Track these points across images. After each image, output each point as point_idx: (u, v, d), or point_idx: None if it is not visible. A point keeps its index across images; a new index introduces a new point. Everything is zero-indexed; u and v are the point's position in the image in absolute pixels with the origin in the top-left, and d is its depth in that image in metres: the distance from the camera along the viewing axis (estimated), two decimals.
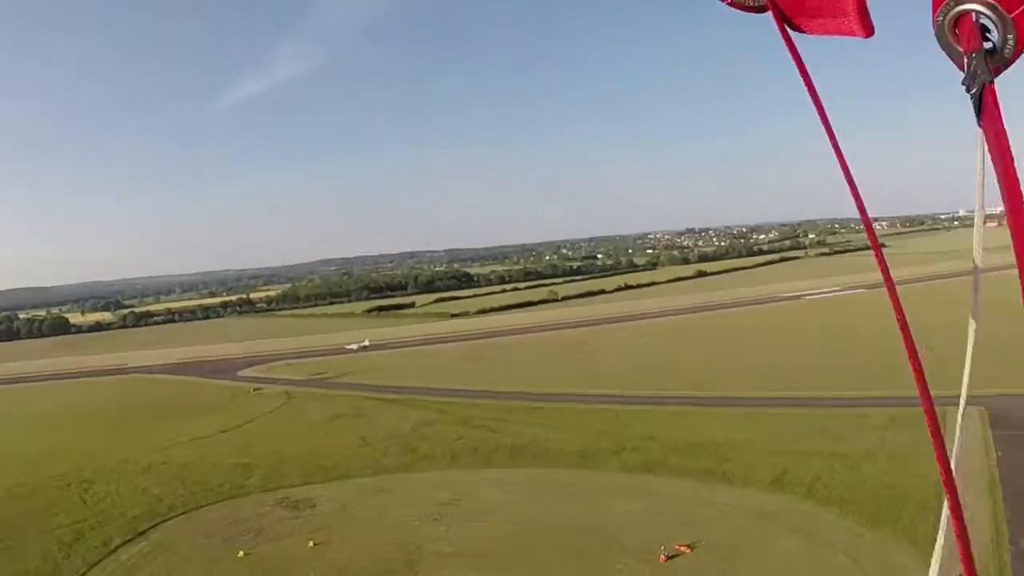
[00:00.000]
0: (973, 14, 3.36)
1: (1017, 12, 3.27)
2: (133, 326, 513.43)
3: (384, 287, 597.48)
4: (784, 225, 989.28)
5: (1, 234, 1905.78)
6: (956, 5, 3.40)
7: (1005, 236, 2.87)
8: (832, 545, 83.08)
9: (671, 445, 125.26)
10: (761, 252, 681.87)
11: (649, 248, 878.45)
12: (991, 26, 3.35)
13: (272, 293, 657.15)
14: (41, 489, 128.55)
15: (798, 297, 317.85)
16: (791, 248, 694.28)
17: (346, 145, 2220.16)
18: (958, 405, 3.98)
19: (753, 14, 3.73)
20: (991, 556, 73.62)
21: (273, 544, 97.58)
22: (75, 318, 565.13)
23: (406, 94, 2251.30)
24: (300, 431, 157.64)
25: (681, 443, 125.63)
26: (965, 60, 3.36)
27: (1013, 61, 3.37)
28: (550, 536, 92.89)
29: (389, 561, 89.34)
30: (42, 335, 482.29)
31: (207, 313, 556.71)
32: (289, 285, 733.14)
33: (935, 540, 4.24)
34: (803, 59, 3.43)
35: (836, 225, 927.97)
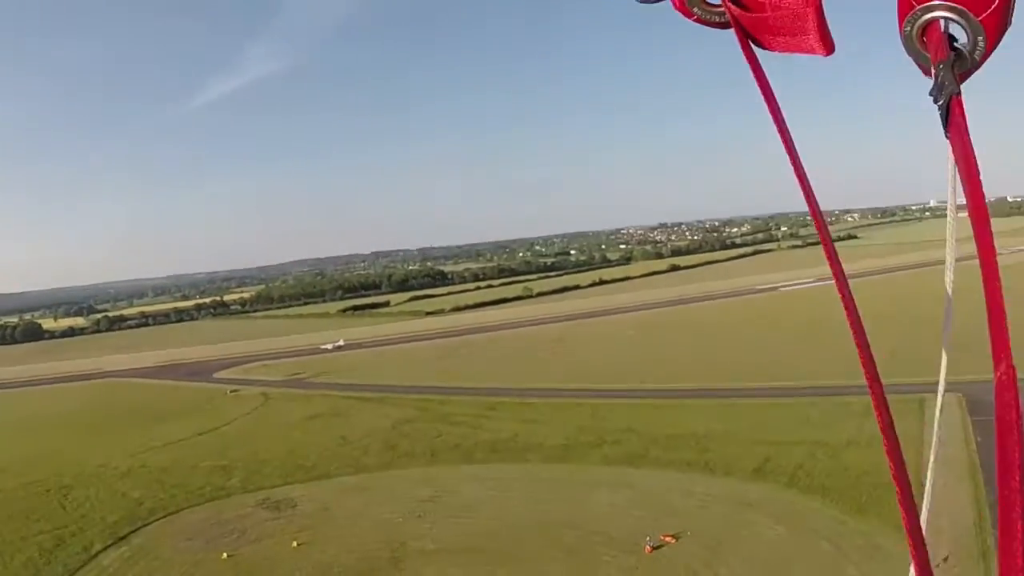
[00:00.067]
0: (941, 22, 3.36)
1: (985, 15, 3.24)
2: (107, 330, 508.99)
3: (358, 286, 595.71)
4: (756, 219, 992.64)
5: None
6: (924, 13, 3.40)
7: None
8: (816, 533, 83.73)
9: (652, 437, 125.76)
10: (734, 245, 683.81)
11: (622, 243, 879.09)
12: (960, 32, 3.34)
13: (246, 295, 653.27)
14: (20, 496, 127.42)
15: (773, 289, 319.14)
16: (764, 241, 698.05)
17: (316, 145, 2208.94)
18: (936, 392, 4.03)
19: (718, 30, 3.77)
20: (974, 540, 74.41)
21: (256, 545, 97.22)
22: (48, 324, 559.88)
23: (375, 93, 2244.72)
24: (279, 432, 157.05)
25: (662, 435, 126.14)
26: (933, 70, 3.37)
27: (981, 64, 3.37)
28: (534, 530, 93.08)
29: (374, 559, 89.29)
30: (15, 341, 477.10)
31: (181, 316, 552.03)
32: (263, 286, 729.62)
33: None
34: (766, 76, 3.40)
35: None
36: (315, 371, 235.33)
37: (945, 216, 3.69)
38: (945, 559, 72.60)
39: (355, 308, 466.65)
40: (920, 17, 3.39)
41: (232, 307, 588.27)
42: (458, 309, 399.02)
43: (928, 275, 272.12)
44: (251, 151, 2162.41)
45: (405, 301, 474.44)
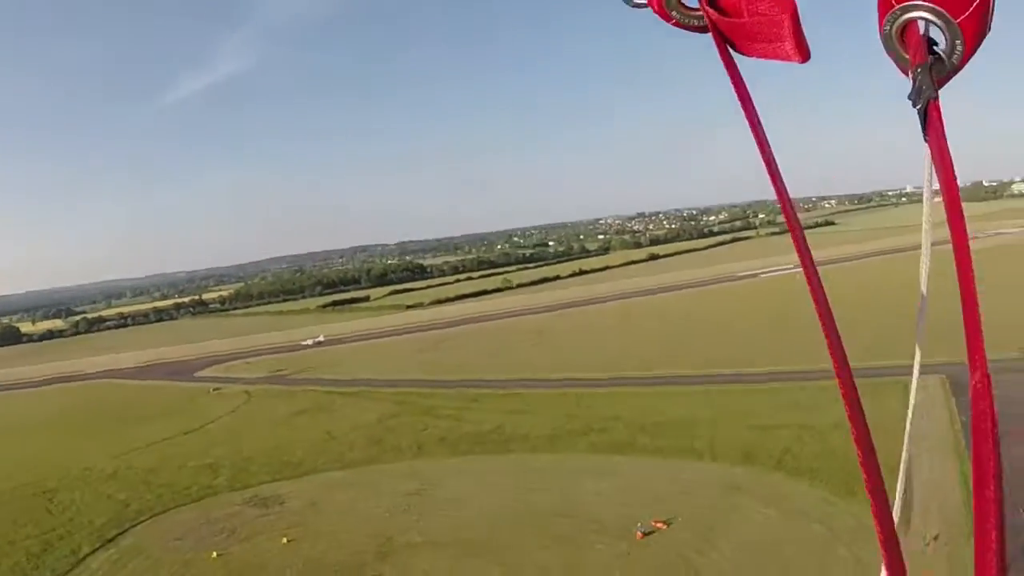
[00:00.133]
0: (920, 23, 3.37)
1: (963, 18, 3.24)
2: (86, 332, 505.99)
3: (337, 282, 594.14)
4: (734, 206, 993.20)
5: None
6: (903, 13, 3.40)
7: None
8: (806, 515, 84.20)
9: (638, 425, 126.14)
10: (712, 234, 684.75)
11: (600, 233, 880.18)
12: (939, 35, 3.34)
13: (225, 293, 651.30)
14: (5, 500, 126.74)
15: (753, 276, 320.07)
16: (742, 229, 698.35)
17: (290, 141, 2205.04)
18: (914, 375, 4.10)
19: (697, 33, 3.80)
20: (964, 518, 74.94)
21: (246, 543, 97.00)
22: (26, 327, 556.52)
23: (350, 88, 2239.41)
24: (264, 429, 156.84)
25: (648, 422, 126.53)
26: (911, 73, 3.38)
27: (960, 68, 3.38)
28: (523, 520, 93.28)
29: (363, 554, 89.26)
30: None
31: (160, 316, 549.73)
32: (241, 284, 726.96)
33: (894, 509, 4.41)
34: (743, 80, 3.43)
35: None
36: (298, 367, 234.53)
37: (922, 202, 3.74)
38: (935, 537, 73.20)
39: (335, 303, 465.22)
40: (899, 17, 3.39)
41: (211, 306, 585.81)
42: (438, 302, 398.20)
43: (908, 259, 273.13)
44: (226, 148, 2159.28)
45: (385, 295, 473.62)
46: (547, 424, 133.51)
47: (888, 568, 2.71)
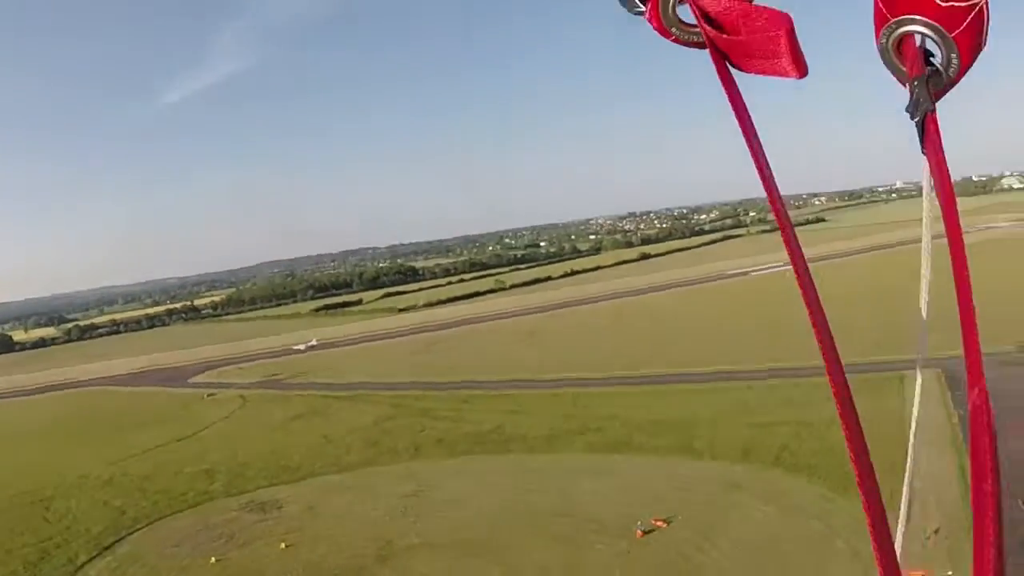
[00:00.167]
0: (916, 36, 3.40)
1: (958, 32, 3.27)
2: (78, 339, 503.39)
3: (329, 286, 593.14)
4: (724, 205, 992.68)
5: None
6: (898, 27, 3.43)
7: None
8: (804, 511, 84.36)
9: (635, 424, 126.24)
10: (703, 232, 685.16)
11: (592, 234, 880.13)
12: (934, 48, 3.38)
13: (217, 298, 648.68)
14: (1, 509, 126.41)
15: (745, 273, 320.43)
16: (733, 227, 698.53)
17: (280, 145, 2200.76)
18: (914, 369, 4.01)
19: (696, 49, 3.74)
20: (963, 512, 74.94)
21: (245, 549, 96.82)
22: (18, 335, 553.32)
23: (338, 91, 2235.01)
24: (260, 433, 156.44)
25: (645, 421, 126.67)
26: (908, 86, 3.42)
27: (957, 81, 3.41)
28: (522, 521, 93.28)
29: (362, 557, 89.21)
30: None
31: (153, 322, 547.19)
32: (233, 289, 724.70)
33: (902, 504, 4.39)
34: (741, 96, 3.42)
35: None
36: (292, 372, 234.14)
37: (912, 198, 3.71)
38: (936, 531, 73.27)
39: (327, 307, 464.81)
40: (895, 30, 3.43)
41: (204, 311, 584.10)
42: (431, 304, 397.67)
43: (900, 255, 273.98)
44: (216, 153, 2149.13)
45: (377, 299, 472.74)
46: (544, 424, 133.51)
47: (881, 565, 2.76)
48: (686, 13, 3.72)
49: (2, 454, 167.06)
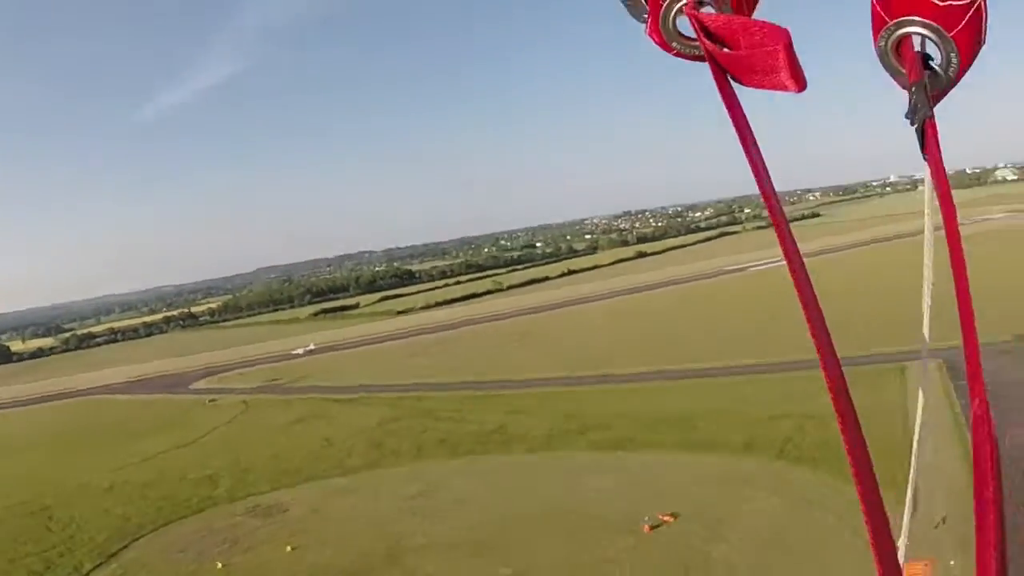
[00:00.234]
0: (915, 39, 3.42)
1: (957, 31, 3.29)
2: (76, 349, 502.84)
3: (326, 290, 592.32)
4: (719, 202, 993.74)
5: None
6: (897, 29, 3.44)
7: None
8: (812, 503, 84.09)
9: (637, 420, 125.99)
10: (699, 229, 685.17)
11: (587, 233, 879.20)
12: (934, 50, 3.39)
13: (214, 305, 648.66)
14: (3, 519, 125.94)
15: (743, 269, 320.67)
16: (728, 224, 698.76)
17: (272, 150, 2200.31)
18: (915, 360, 3.92)
19: (697, 62, 3.73)
20: (970, 501, 74.51)
21: (250, 553, 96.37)
22: (16, 346, 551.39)
23: (328, 96, 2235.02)
24: (262, 437, 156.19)
25: (647, 418, 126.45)
26: (907, 92, 3.43)
27: (957, 81, 3.42)
28: (529, 519, 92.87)
29: (370, 559, 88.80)
30: None
31: (151, 330, 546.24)
32: (230, 296, 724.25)
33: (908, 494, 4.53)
34: (741, 109, 3.39)
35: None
36: (292, 376, 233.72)
37: (906, 191, 3.72)
38: (943, 520, 73.08)
39: (325, 311, 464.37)
40: (893, 32, 3.44)
41: (201, 318, 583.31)
42: (428, 307, 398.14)
43: (896, 248, 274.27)
44: (209, 158, 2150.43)
45: (375, 302, 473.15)
46: (546, 423, 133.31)
47: (877, 555, 2.80)
48: (687, 27, 3.71)
49: (2, 464, 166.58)
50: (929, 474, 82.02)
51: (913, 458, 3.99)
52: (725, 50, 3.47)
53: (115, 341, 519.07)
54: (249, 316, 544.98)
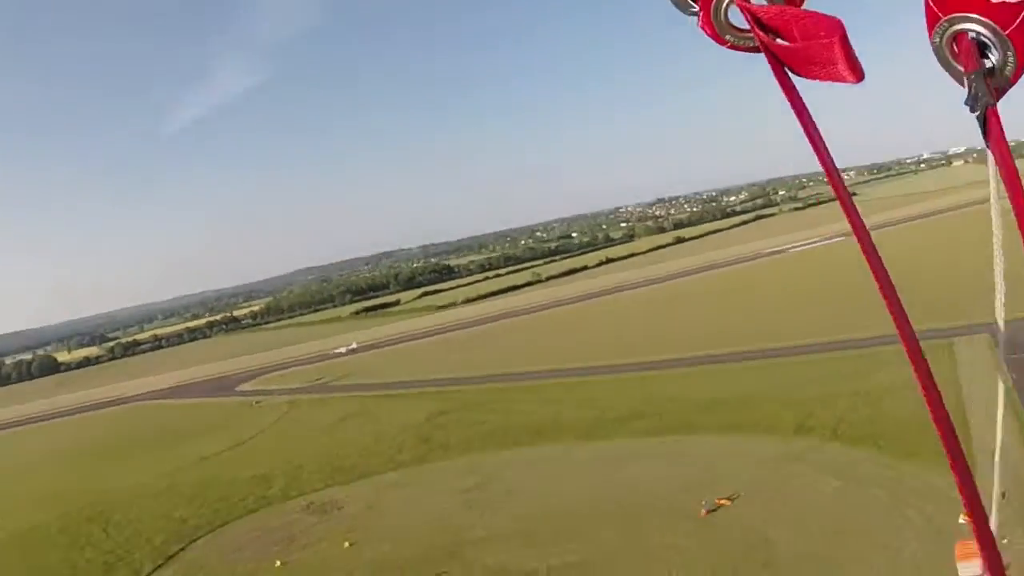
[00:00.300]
0: (970, 33, 3.31)
1: (1012, 29, 3.21)
2: (122, 357, 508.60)
3: (366, 288, 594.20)
4: (753, 185, 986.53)
5: None
6: (951, 25, 3.36)
7: (979, 171, 3.08)
8: (869, 481, 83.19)
9: (687, 405, 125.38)
10: (735, 213, 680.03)
11: (623, 222, 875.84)
12: (990, 45, 3.29)
13: (256, 308, 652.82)
14: (61, 527, 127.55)
15: (783, 251, 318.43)
16: (764, 206, 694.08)
17: (305, 153, 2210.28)
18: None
19: (751, 54, 3.69)
20: None
21: (308, 550, 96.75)
22: (63, 356, 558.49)
23: (358, 95, 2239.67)
24: (311, 436, 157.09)
25: (696, 401, 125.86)
26: (966, 81, 3.32)
27: (1015, 82, 3.34)
28: (584, 507, 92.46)
29: (429, 552, 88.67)
30: (31, 377, 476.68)
31: (194, 335, 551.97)
32: (271, 298, 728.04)
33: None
34: (801, 99, 3.39)
35: (805, 180, 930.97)
36: (336, 374, 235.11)
37: (939, 167, 3.66)
38: (1003, 495, 71.74)
39: (366, 310, 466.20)
40: (948, 28, 3.35)
41: (243, 321, 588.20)
42: (469, 301, 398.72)
43: (937, 224, 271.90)
44: (238, 165, 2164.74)
45: (415, 298, 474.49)
46: (596, 411, 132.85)
47: (974, 523, 2.72)
48: (739, 18, 3.69)
49: (57, 473, 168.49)
50: (987, 450, 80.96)
51: (998, 437, 3.92)
52: (779, 42, 3.45)
53: (159, 347, 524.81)
54: (291, 317, 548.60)
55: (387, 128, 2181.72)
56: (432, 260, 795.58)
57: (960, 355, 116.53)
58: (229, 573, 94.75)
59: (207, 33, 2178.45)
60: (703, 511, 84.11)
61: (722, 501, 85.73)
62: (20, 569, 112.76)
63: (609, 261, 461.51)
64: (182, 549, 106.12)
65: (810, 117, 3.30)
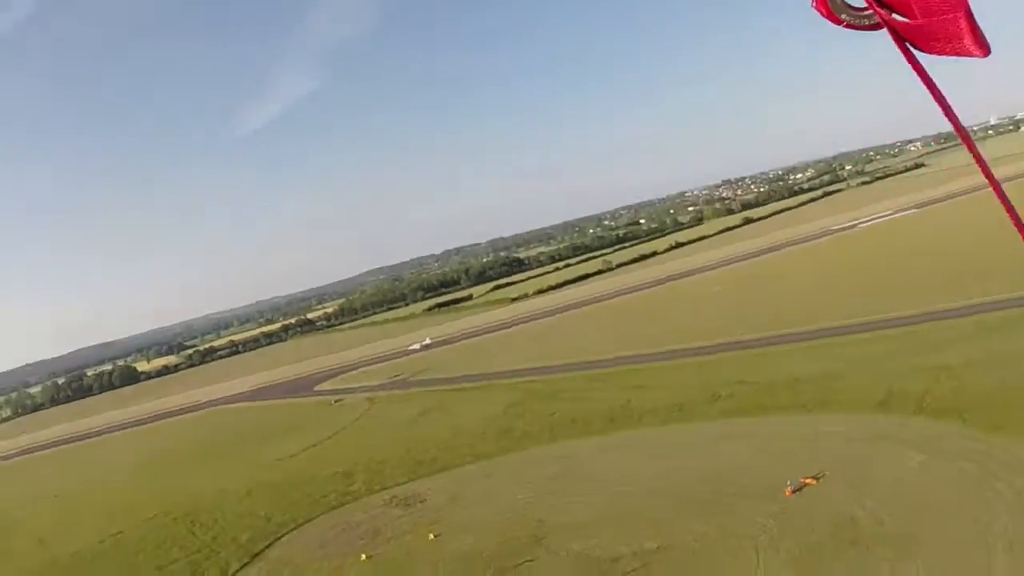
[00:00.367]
0: None
1: None
2: (200, 364, 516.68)
3: (438, 285, 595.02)
4: (819, 161, 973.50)
5: (54, 298, 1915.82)
6: None
7: None
8: (956, 455, 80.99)
9: (764, 385, 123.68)
10: (802, 191, 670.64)
11: (690, 205, 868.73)
12: None
13: (330, 310, 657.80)
14: (148, 529, 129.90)
15: (852, 227, 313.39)
16: (831, 183, 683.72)
17: (367, 153, 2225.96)
18: None
19: (871, 31, 3.68)
20: None
21: (393, 543, 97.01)
22: (142, 366, 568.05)
23: (418, 93, 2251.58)
24: (391, 432, 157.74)
25: (773, 382, 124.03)
26: None
27: None
28: (668, 492, 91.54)
29: (515, 541, 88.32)
30: (113, 387, 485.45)
31: (270, 339, 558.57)
32: (343, 299, 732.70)
33: None
34: (928, 74, 3.41)
35: (872, 153, 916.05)
36: (412, 370, 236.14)
37: (1008, 133, 3.70)
38: None
39: (439, 306, 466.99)
40: None
41: (318, 323, 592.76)
42: (541, 292, 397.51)
43: (1015, 190, 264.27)
44: (304, 170, 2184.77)
45: (487, 292, 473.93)
46: (673, 395, 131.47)
47: None
48: None
49: (142, 478, 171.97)
50: None
51: None
52: (897, 18, 3.44)
53: (236, 353, 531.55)
54: (364, 317, 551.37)
55: (447, 125, 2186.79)
56: (501, 254, 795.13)
57: None
58: (315, 568, 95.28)
59: (272, 38, 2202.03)
60: (788, 491, 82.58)
61: (807, 480, 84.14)
62: (110, 569, 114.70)
63: (678, 245, 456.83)
64: (268, 546, 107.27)
65: (942, 95, 3.32)
